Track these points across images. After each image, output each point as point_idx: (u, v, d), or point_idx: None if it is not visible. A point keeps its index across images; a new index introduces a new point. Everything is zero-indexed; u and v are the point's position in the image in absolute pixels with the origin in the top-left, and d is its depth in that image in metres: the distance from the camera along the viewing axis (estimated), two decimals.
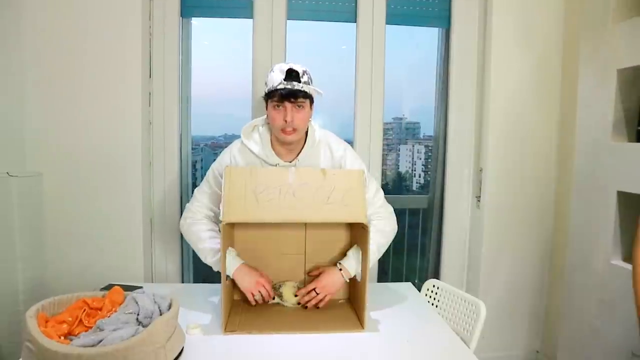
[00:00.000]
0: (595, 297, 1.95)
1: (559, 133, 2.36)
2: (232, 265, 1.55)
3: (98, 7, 2.11)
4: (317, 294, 1.57)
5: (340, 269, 1.58)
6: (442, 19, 2.43)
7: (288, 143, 1.60)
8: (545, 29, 2.32)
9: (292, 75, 1.50)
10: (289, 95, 1.49)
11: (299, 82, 1.50)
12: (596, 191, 1.97)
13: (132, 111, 2.18)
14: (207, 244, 1.59)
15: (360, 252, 1.57)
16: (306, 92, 1.52)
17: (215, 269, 1.59)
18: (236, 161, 1.64)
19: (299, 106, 1.53)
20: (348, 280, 1.59)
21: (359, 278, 1.57)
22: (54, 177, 2.16)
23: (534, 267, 2.44)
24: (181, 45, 2.34)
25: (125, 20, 2.14)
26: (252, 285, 1.55)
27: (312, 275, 1.65)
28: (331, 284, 1.58)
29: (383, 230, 1.64)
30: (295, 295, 1.61)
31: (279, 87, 1.49)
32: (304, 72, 1.54)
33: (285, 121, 1.51)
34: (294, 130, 1.54)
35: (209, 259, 1.59)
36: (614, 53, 1.88)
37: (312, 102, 1.59)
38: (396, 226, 1.71)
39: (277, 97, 1.50)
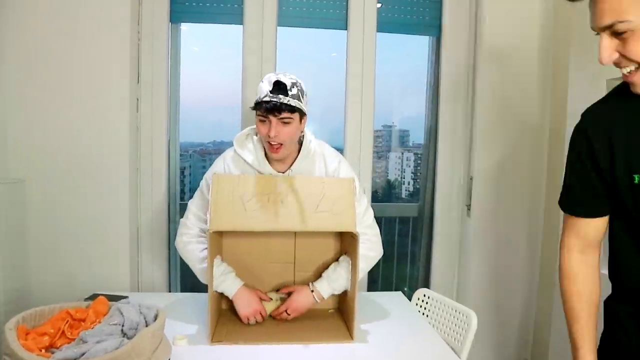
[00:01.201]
0: None
1: (549, 142, 2.37)
2: (233, 287, 1.54)
3: (85, 10, 2.08)
4: (289, 314, 1.57)
5: (312, 291, 1.57)
6: (433, 27, 2.44)
7: (275, 159, 1.58)
8: (536, 38, 2.33)
9: (279, 87, 1.45)
10: (272, 109, 1.45)
11: (287, 95, 1.45)
12: None
13: (119, 117, 2.15)
14: (204, 265, 1.56)
15: (337, 273, 1.56)
16: (293, 106, 1.46)
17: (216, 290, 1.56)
18: (230, 170, 1.62)
19: (284, 122, 1.48)
20: (319, 301, 1.58)
21: (325, 296, 1.57)
22: (37, 184, 2.11)
23: (524, 276, 2.44)
24: (170, 51, 2.32)
25: (113, 24, 2.11)
26: (249, 313, 1.54)
27: (283, 292, 1.64)
28: (302, 306, 1.58)
29: (367, 255, 1.61)
30: (270, 316, 1.61)
31: (264, 100, 1.45)
32: (294, 85, 1.47)
33: (269, 135, 1.47)
34: (280, 145, 1.51)
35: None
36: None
37: (302, 115, 1.54)
38: (381, 250, 1.68)
39: (261, 110, 1.47)
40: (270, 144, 1.51)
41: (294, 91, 1.47)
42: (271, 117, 1.46)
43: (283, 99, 1.44)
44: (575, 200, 1.11)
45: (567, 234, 1.13)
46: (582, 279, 1.09)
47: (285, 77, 1.47)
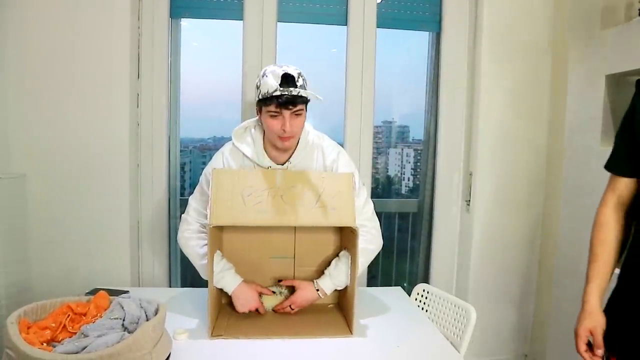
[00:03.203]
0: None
1: (548, 138, 2.38)
2: (232, 284, 1.54)
3: (85, 6, 2.08)
4: (292, 309, 1.59)
5: (317, 290, 1.58)
6: (433, 23, 2.44)
7: (285, 149, 1.57)
8: (535, 34, 2.33)
9: (287, 80, 1.42)
10: (286, 103, 1.42)
11: (296, 86, 1.43)
12: (584, 196, 1.98)
13: (119, 112, 2.15)
14: (204, 261, 1.56)
15: (338, 269, 1.57)
16: (305, 97, 1.45)
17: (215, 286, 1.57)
18: (229, 164, 1.62)
19: (297, 114, 1.47)
20: (323, 297, 1.59)
21: (328, 292, 1.58)
22: (38, 179, 2.12)
23: (523, 272, 2.45)
24: (170, 46, 2.32)
25: (113, 20, 2.11)
26: (245, 310, 1.55)
27: (285, 284, 1.64)
28: (306, 302, 1.59)
29: (366, 248, 1.60)
30: (274, 310, 1.61)
31: (275, 94, 1.41)
32: (299, 75, 1.46)
33: (284, 130, 1.46)
34: (292, 136, 1.51)
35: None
36: (602, 59, 1.90)
37: (306, 105, 1.53)
38: (381, 242, 1.67)
39: (274, 104, 1.43)
40: (282, 137, 1.50)
41: (301, 81, 1.46)
42: (285, 112, 1.44)
43: (294, 91, 1.41)
44: (615, 159, 1.26)
45: (607, 191, 1.29)
46: (609, 229, 1.25)
47: (290, 69, 1.46)
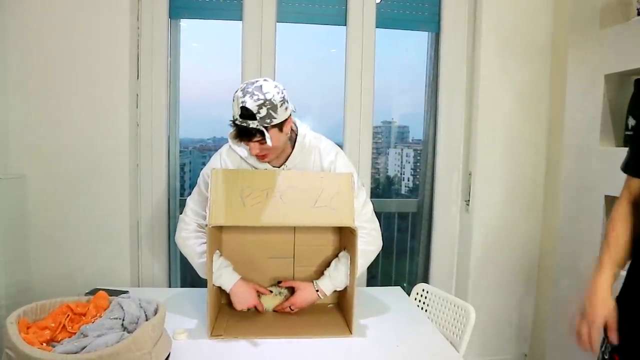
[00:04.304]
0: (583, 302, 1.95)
1: (547, 137, 2.38)
2: (230, 282, 1.54)
3: (85, 6, 2.08)
4: (292, 310, 1.59)
5: (317, 290, 1.58)
6: (432, 23, 2.44)
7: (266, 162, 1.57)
8: (534, 34, 2.33)
9: (246, 113, 1.37)
10: (243, 135, 1.42)
11: (255, 119, 1.37)
12: (584, 195, 1.98)
13: (119, 112, 2.15)
14: (202, 259, 1.56)
15: (338, 270, 1.57)
16: (263, 131, 1.39)
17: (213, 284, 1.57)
18: (226, 165, 1.61)
19: (261, 143, 1.43)
20: (322, 297, 1.59)
21: (328, 293, 1.58)
22: (38, 179, 2.12)
23: (522, 271, 2.45)
24: (169, 47, 2.32)
25: (112, 20, 2.11)
26: (243, 307, 1.55)
27: (285, 286, 1.64)
28: (306, 302, 1.59)
29: (366, 249, 1.59)
30: (274, 310, 1.62)
31: (235, 123, 1.41)
32: (262, 106, 1.36)
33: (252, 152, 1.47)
34: (266, 154, 1.49)
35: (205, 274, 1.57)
36: (601, 58, 1.90)
37: (282, 123, 1.44)
38: (381, 243, 1.66)
39: (236, 131, 1.45)
40: (256, 155, 1.50)
41: (263, 112, 1.37)
42: (245, 139, 1.44)
43: (252, 123, 1.38)
44: (631, 161, 1.31)
45: (623, 190, 1.33)
46: (622, 224, 1.29)
47: (252, 100, 1.36)
